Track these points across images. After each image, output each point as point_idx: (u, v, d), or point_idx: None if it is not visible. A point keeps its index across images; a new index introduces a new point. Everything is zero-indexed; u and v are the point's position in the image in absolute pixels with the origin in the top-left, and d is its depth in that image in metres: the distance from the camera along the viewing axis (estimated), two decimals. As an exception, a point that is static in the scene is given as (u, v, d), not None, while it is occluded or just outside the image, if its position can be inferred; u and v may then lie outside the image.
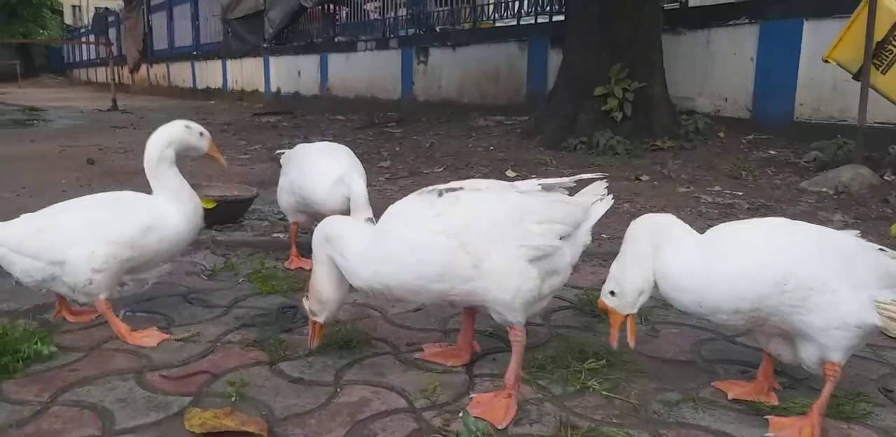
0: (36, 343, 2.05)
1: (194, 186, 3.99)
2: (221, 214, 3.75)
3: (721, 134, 7.40)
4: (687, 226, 1.95)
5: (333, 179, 2.88)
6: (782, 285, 1.71)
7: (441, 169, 6.14)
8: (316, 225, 3.46)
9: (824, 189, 4.91)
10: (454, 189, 1.93)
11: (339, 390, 1.92)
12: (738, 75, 7.69)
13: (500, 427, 1.73)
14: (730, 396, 1.92)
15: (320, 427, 1.72)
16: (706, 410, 1.85)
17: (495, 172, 5.97)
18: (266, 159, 6.71)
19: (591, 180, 2.16)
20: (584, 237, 2.01)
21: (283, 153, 3.44)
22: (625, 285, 1.85)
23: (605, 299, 1.89)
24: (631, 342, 1.88)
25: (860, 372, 2.14)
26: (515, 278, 1.82)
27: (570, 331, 2.42)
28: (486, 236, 1.82)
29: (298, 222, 3.16)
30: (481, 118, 9.33)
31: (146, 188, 4.52)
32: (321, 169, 2.93)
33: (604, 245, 3.52)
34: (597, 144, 6.73)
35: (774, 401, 1.89)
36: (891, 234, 3.88)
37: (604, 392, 1.93)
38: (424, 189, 1.98)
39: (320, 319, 2.05)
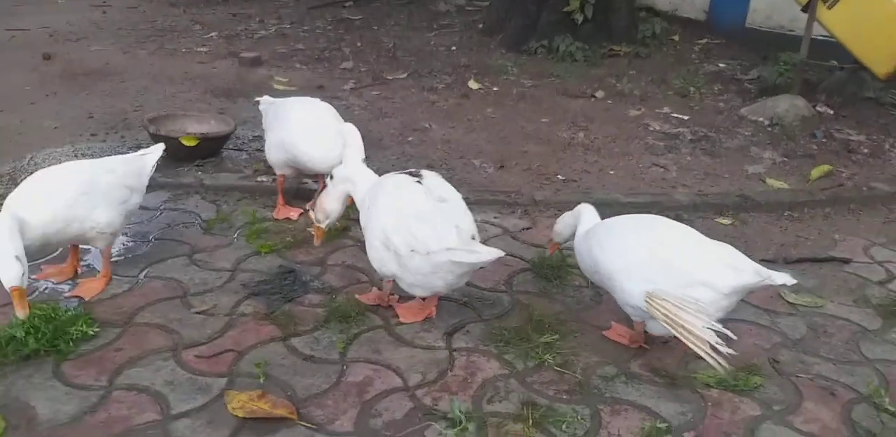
0: (81, 325, 2.39)
1: (170, 118, 4.15)
2: (203, 151, 3.95)
3: (676, 38, 7.59)
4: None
5: (328, 142, 3.13)
6: (594, 268, 2.50)
7: (404, 75, 6.23)
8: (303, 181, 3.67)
9: (760, 119, 5.31)
10: None
11: (345, 367, 2.37)
12: (698, -24, 7.71)
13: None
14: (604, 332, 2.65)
15: (336, 409, 2.17)
16: (634, 385, 2.38)
17: (458, 81, 6.12)
18: (225, 54, 6.64)
19: None
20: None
21: (262, 102, 3.61)
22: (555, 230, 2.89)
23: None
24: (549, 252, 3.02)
25: (757, 341, 2.68)
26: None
27: (529, 297, 2.87)
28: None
29: (285, 174, 3.42)
30: (442, 1, 9.15)
31: (111, 92, 4.71)
32: (314, 132, 3.17)
33: (560, 193, 3.89)
34: (557, 50, 6.86)
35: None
36: (810, 177, 4.38)
37: (556, 368, 2.43)
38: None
39: (322, 226, 2.82)
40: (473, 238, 2.45)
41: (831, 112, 5.45)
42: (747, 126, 5.24)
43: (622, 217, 2.65)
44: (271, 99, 3.64)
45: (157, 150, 2.96)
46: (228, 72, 6.08)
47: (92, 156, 4.02)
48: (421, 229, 2.39)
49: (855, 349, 2.67)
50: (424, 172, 2.65)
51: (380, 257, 2.51)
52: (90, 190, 2.54)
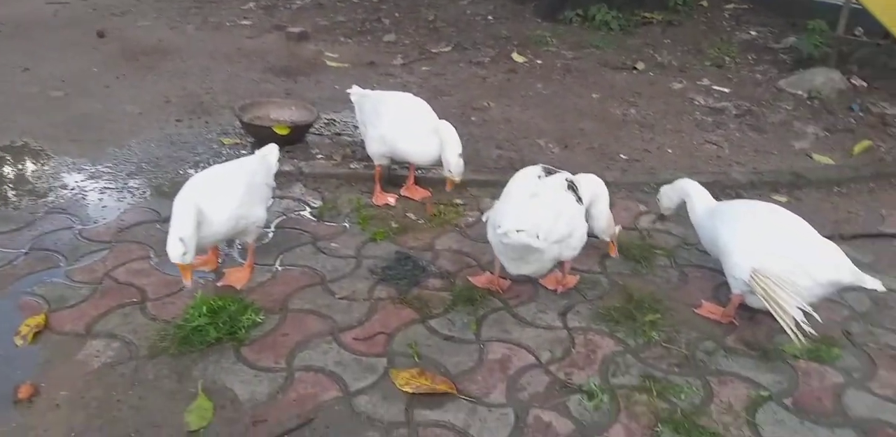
0: (250, 314, 2.72)
1: (255, 105, 4.38)
2: (291, 138, 4.19)
3: (704, 3, 7.74)
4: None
5: (425, 136, 3.42)
6: (713, 242, 2.93)
7: (448, 48, 6.42)
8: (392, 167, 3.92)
9: (799, 92, 5.57)
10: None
11: (483, 346, 2.71)
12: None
13: None
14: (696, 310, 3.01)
15: (487, 384, 2.53)
16: (733, 358, 2.74)
17: (502, 54, 6.32)
18: (269, 28, 6.77)
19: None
20: None
21: (353, 93, 3.84)
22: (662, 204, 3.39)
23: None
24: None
25: (830, 315, 3.04)
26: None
27: (623, 278, 3.21)
28: None
29: (383, 164, 3.70)
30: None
31: (176, 73, 5.04)
32: (413, 128, 3.45)
33: (627, 174, 4.19)
34: (592, 19, 7.03)
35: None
36: (853, 152, 4.68)
37: (663, 344, 2.78)
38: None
39: None
40: (538, 237, 2.60)
41: (865, 85, 5.71)
42: (787, 100, 5.50)
43: (744, 202, 3.15)
44: (362, 91, 3.87)
45: (274, 150, 3.22)
46: (279, 47, 6.24)
47: (186, 143, 4.27)
48: (503, 210, 2.74)
49: (915, 320, 3.04)
50: (567, 175, 2.95)
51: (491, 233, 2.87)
52: (251, 190, 2.84)
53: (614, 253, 3.35)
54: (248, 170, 2.95)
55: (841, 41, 5.82)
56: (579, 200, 2.88)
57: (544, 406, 2.45)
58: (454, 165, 3.39)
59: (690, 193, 3.17)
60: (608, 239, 3.29)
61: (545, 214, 2.70)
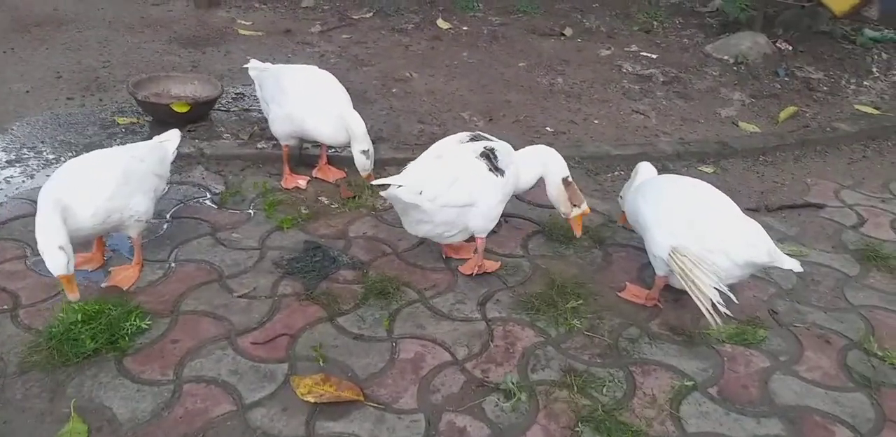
0: (134, 319, 2.45)
1: (153, 80, 4.02)
2: (193, 116, 3.87)
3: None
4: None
5: (336, 117, 3.15)
6: (635, 218, 2.81)
7: (370, 15, 6.08)
8: (303, 146, 3.65)
9: (725, 57, 5.46)
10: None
11: (395, 345, 2.52)
12: None
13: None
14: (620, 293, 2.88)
15: (397, 387, 2.34)
16: (657, 345, 2.62)
17: (427, 20, 6.03)
18: (177, -7, 6.29)
19: None
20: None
21: (251, 68, 3.54)
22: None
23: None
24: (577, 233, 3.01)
25: (755, 294, 2.95)
26: None
27: (546, 261, 3.05)
28: None
29: (290, 145, 3.42)
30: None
31: (72, 45, 4.60)
32: (322, 106, 3.18)
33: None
34: (519, -18, 6.76)
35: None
36: (779, 119, 4.61)
37: (585, 333, 2.64)
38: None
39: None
40: (420, 194, 2.56)
41: (790, 48, 5.64)
42: (714, 65, 5.39)
43: (671, 177, 2.95)
44: (261, 64, 3.56)
45: (175, 136, 2.93)
46: (187, 15, 5.81)
47: (76, 124, 3.89)
48: (411, 166, 2.71)
49: (840, 296, 2.97)
50: (490, 141, 2.81)
51: None
52: (128, 180, 2.55)
53: (577, 232, 3.01)
54: (130, 157, 2.64)
55: (766, 4, 5.72)
56: (495, 169, 2.70)
57: (458, 410, 2.28)
58: (359, 163, 3.17)
59: (640, 171, 3.03)
60: (563, 214, 2.99)
61: (439, 176, 2.62)
